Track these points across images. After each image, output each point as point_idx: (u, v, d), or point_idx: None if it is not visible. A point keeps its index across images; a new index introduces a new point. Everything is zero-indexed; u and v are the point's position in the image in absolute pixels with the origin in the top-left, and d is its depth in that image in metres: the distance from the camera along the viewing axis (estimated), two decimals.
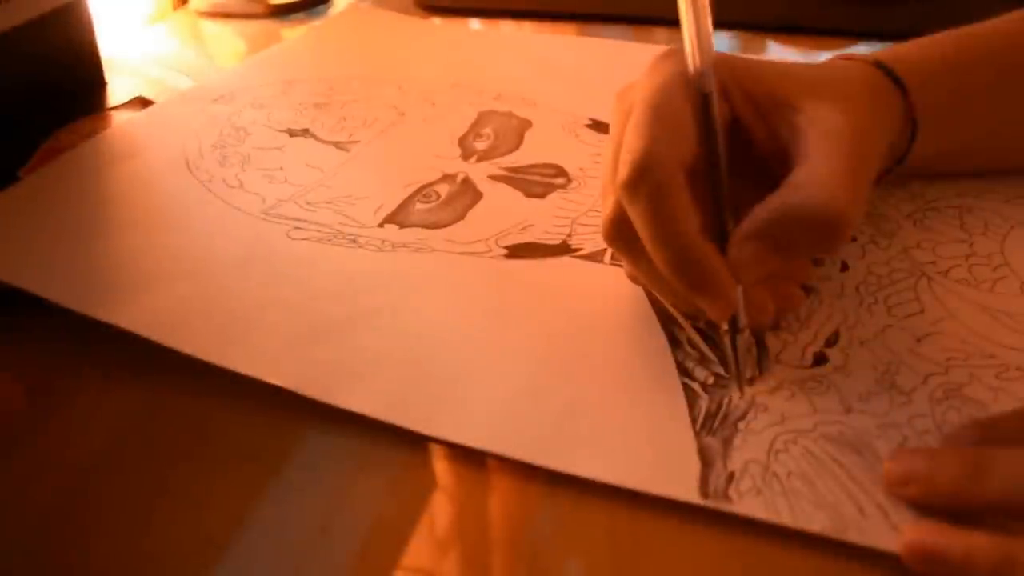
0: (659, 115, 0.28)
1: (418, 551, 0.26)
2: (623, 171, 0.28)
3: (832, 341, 0.31)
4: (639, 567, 0.25)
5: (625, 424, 0.29)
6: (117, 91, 0.54)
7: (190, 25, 0.68)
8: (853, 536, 0.25)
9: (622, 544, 0.26)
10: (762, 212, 0.28)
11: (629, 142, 0.28)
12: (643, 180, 0.27)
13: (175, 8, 0.70)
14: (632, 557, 0.25)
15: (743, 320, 0.29)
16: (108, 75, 0.55)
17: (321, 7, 0.69)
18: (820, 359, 0.31)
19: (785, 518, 0.25)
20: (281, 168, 0.44)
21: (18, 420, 0.31)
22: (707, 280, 0.28)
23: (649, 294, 0.34)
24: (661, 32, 0.59)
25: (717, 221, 0.29)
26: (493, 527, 0.27)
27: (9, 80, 0.47)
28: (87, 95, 0.53)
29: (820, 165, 0.28)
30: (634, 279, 0.33)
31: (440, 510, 0.27)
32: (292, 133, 0.47)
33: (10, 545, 0.27)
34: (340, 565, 0.26)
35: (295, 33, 0.64)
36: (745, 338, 0.30)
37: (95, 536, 0.27)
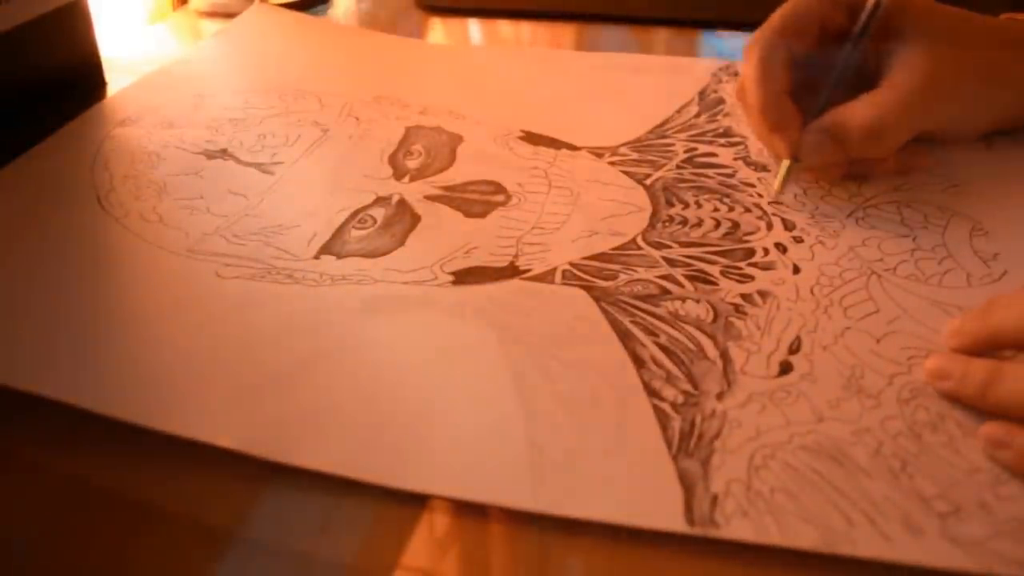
0: (787, 15, 0.40)
1: (418, 551, 0.26)
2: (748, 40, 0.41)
3: (795, 348, 0.31)
4: (639, 567, 0.25)
5: (598, 454, 0.28)
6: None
7: (190, 25, 0.66)
8: (845, 548, 0.24)
9: (622, 544, 0.25)
10: (829, 117, 0.38)
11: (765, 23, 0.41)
12: (753, 46, 0.40)
13: (175, 8, 0.68)
14: (632, 557, 0.25)
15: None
16: (108, 75, 0.54)
17: (321, 7, 0.67)
18: (786, 368, 0.30)
19: (774, 537, 0.25)
20: (202, 197, 0.41)
21: None
22: (780, 123, 0.39)
23: (606, 313, 0.33)
24: (661, 32, 0.57)
25: (820, 101, 0.39)
26: (493, 527, 0.26)
27: (9, 80, 0.46)
28: (87, 95, 0.52)
29: (882, 96, 0.38)
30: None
31: (440, 510, 0.27)
32: (209, 155, 0.44)
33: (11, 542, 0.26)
34: (340, 565, 0.25)
35: None
36: (788, 165, 0.40)
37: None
